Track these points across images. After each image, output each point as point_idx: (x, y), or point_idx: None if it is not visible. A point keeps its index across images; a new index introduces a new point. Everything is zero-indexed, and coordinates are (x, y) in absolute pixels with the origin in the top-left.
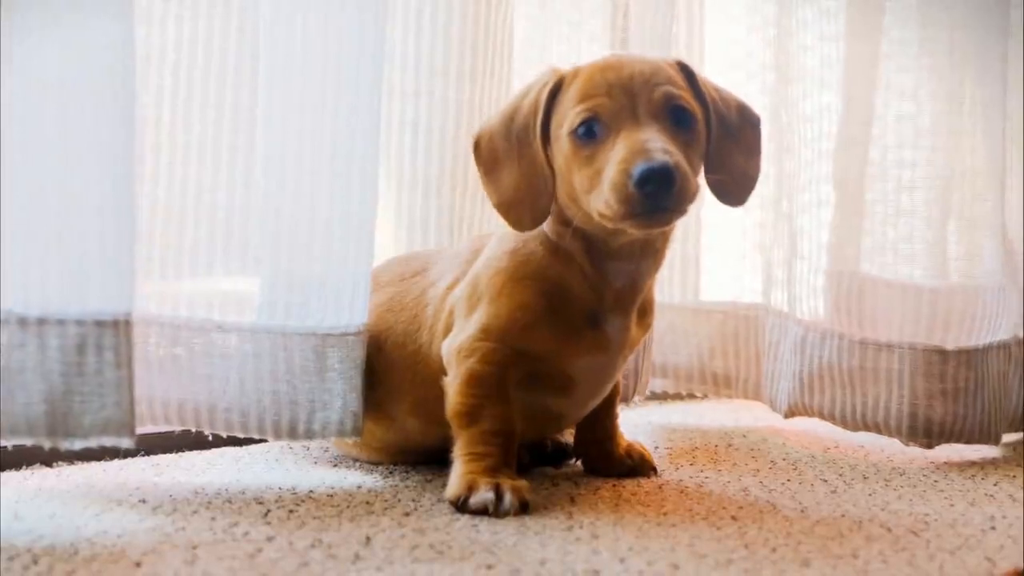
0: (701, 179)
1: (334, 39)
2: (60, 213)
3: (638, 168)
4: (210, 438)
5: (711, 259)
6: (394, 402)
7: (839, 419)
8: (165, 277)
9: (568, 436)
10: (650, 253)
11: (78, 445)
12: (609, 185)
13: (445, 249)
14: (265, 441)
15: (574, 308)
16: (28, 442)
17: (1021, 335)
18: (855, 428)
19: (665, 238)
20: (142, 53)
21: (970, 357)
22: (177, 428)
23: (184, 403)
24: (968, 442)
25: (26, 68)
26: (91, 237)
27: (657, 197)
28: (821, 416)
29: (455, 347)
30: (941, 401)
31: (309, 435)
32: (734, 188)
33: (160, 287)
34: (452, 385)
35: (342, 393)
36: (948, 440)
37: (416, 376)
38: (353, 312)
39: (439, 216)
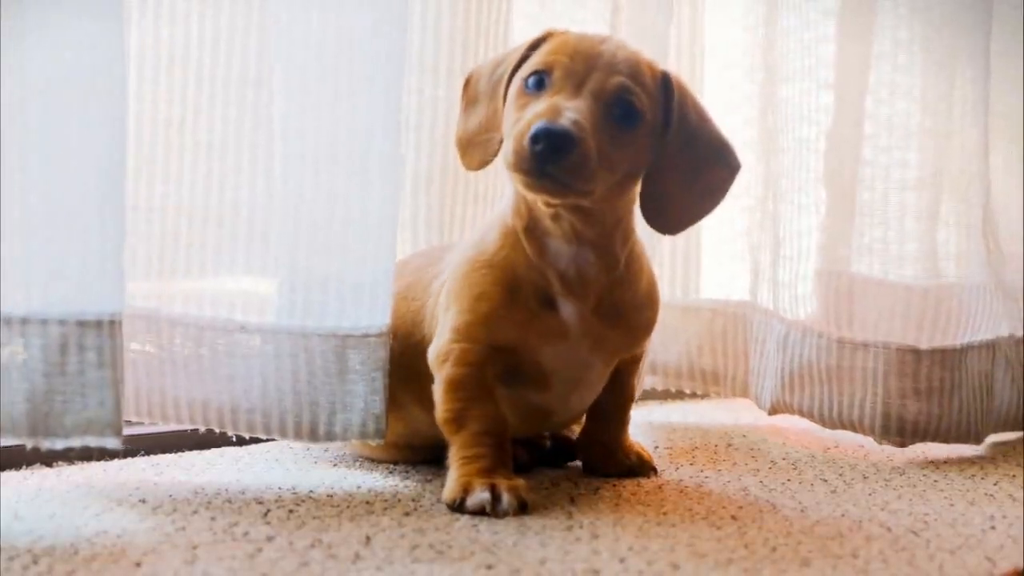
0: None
1: (350, 36)
2: (45, 213)
3: (536, 124)
4: (233, 438)
5: (706, 258)
6: (403, 390)
7: (817, 417)
8: (190, 276)
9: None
10: (586, 241)
11: (59, 445)
12: (514, 134)
13: (458, 243)
14: (269, 441)
15: (527, 291)
16: (10, 441)
17: (1020, 335)
18: (832, 426)
19: (602, 232)
20: (166, 53)
21: (945, 357)
22: (202, 428)
23: (208, 403)
24: (945, 441)
25: (12, 67)
26: (76, 238)
27: (544, 159)
28: (801, 414)
29: (435, 353)
30: (915, 400)
31: (330, 437)
32: (669, 213)
33: (185, 286)
34: (437, 392)
35: (363, 395)
36: (923, 439)
37: (420, 365)
38: (374, 312)
39: (428, 214)
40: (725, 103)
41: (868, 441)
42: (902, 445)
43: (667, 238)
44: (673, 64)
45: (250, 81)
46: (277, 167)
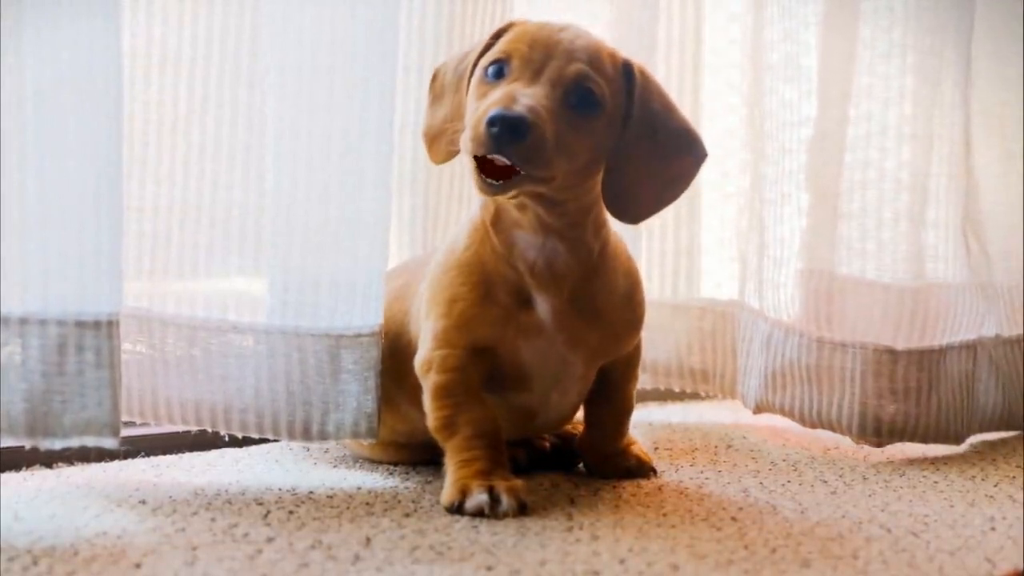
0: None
1: (343, 37)
2: (43, 213)
3: (493, 111)
4: (226, 438)
5: (705, 258)
6: (398, 389)
7: (798, 416)
8: (183, 277)
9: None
10: (554, 232)
11: (58, 445)
12: (472, 121)
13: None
14: (267, 441)
15: (499, 287)
16: (8, 442)
17: (1006, 335)
18: (812, 426)
19: (570, 222)
20: (158, 53)
21: (922, 357)
22: (194, 428)
23: (201, 403)
24: (924, 441)
25: (11, 67)
26: (74, 238)
27: (500, 143)
28: (783, 413)
29: (420, 362)
30: (891, 400)
31: (323, 436)
32: (631, 202)
33: (178, 287)
34: (425, 401)
35: (356, 395)
36: (900, 439)
37: (410, 364)
38: (366, 312)
39: (413, 215)
40: (725, 104)
41: None
42: (879, 445)
43: (659, 236)
44: (667, 61)
45: (243, 82)
46: (270, 167)
